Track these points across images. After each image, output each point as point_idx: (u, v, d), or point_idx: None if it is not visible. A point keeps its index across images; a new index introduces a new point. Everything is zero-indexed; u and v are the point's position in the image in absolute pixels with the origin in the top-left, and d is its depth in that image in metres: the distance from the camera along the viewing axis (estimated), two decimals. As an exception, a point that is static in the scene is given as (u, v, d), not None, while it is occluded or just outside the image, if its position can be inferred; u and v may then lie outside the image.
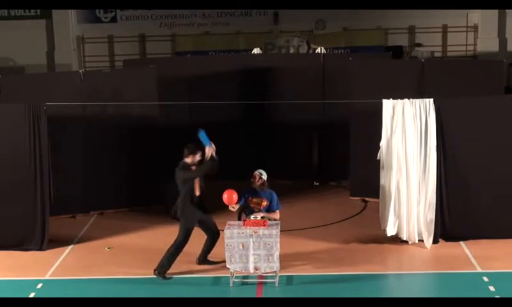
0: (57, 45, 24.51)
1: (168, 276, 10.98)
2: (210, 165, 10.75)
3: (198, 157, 10.84)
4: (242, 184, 11.48)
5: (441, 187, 12.02)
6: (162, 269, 10.98)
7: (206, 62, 16.71)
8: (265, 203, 11.12)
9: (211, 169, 10.81)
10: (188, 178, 10.88)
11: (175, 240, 11.07)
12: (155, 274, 11.01)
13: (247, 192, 11.17)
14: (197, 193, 10.93)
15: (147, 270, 11.25)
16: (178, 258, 11.56)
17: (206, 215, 11.18)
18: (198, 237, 11.30)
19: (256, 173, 11.16)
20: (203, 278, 10.95)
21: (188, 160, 10.91)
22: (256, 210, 11.07)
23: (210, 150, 10.70)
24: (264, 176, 11.14)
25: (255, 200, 11.15)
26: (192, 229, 11.08)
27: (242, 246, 10.55)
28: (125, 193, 14.32)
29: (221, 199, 10.93)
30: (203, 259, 11.41)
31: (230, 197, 10.87)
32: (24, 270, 11.51)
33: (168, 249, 11.06)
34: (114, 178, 14.16)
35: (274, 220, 10.97)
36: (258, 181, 11.14)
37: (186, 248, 11.88)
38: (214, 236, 11.26)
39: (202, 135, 10.77)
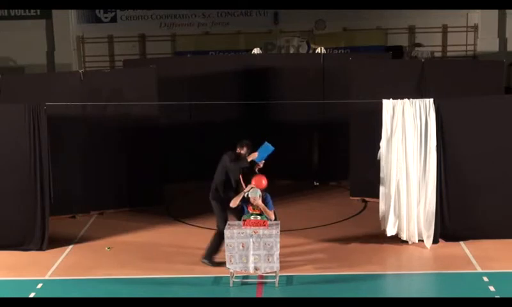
0: (57, 45, 24.46)
1: (216, 262, 11.20)
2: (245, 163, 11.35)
3: (243, 151, 11.38)
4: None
5: (441, 187, 12.01)
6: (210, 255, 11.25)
7: (206, 62, 16.67)
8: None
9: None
10: (229, 166, 11.36)
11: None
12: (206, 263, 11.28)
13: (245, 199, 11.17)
14: (243, 186, 11.27)
15: (147, 270, 11.26)
16: (178, 259, 11.57)
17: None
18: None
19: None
20: (203, 278, 10.93)
21: (237, 151, 11.48)
22: (254, 215, 11.00)
23: (253, 157, 11.24)
24: None
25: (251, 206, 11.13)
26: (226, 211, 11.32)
27: (242, 246, 10.55)
28: (125, 193, 14.31)
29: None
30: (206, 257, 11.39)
31: (259, 181, 11.00)
32: (24, 270, 11.49)
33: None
34: (114, 178, 14.15)
35: (269, 218, 10.95)
36: None
37: (186, 248, 11.89)
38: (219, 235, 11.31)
39: (266, 148, 11.24)
